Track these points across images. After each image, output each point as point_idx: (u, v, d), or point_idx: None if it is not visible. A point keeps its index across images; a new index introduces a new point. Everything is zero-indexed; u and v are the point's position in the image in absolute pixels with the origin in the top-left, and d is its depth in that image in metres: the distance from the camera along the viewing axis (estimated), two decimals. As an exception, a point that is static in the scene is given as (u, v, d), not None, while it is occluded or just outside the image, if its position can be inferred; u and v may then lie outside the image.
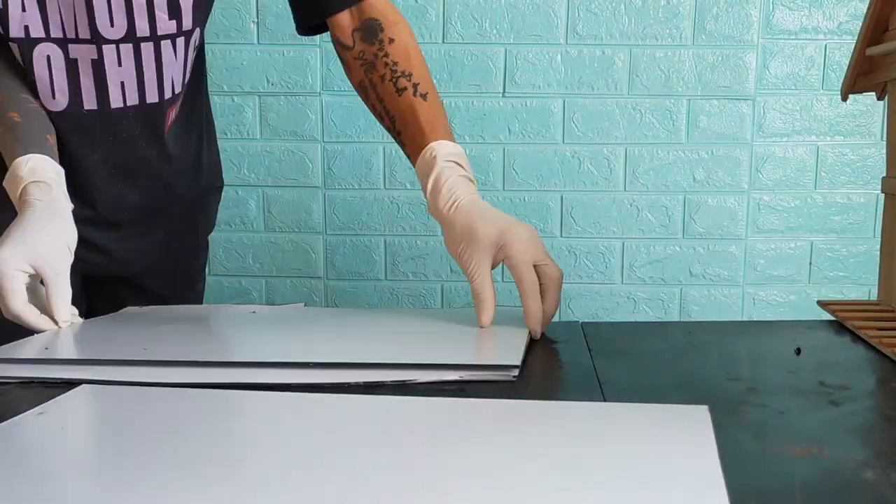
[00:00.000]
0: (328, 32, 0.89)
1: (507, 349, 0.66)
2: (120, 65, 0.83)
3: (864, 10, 0.80)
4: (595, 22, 1.70)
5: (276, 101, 1.72)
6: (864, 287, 1.76)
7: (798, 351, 0.69)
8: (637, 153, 1.73)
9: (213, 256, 1.76)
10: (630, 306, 1.77)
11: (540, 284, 0.72)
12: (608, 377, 0.61)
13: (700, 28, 1.69)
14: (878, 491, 0.42)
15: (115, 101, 0.85)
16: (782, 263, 1.76)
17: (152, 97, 0.86)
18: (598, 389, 0.59)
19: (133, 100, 0.85)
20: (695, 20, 1.69)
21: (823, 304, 0.84)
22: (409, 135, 0.83)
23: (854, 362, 0.68)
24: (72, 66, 0.82)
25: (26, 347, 0.66)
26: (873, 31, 0.79)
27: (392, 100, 0.84)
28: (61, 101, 0.84)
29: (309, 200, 1.74)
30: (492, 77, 1.72)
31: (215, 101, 1.71)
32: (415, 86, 0.83)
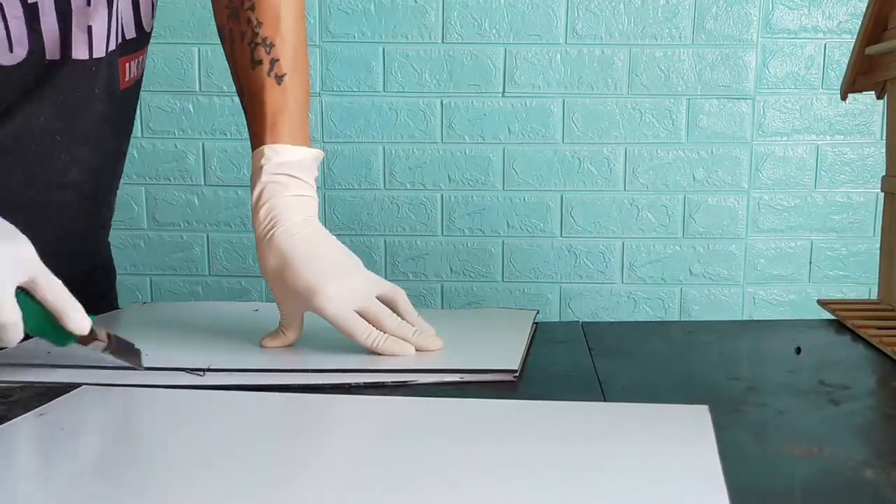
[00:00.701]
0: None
1: (507, 351, 0.66)
2: (88, 5, 0.68)
3: (864, 9, 0.80)
4: (594, 22, 1.70)
5: (276, 102, 1.72)
6: (864, 286, 1.76)
7: (798, 350, 0.69)
8: (637, 153, 1.73)
9: (213, 256, 1.76)
10: (630, 306, 1.77)
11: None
12: (608, 377, 0.61)
13: (700, 27, 1.70)
14: (879, 490, 0.42)
15: (80, 52, 0.69)
16: (782, 263, 1.76)
17: (100, 49, 0.71)
18: (599, 389, 0.59)
19: (82, 53, 0.69)
20: (694, 20, 1.69)
21: (823, 304, 0.84)
22: (250, 120, 0.72)
23: (854, 361, 0.68)
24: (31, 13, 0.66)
25: (27, 350, 0.66)
26: (872, 30, 0.79)
27: (245, 70, 0.71)
28: (19, 53, 0.67)
29: (309, 201, 1.74)
30: (491, 77, 1.72)
31: (215, 101, 1.71)
32: (273, 62, 0.70)
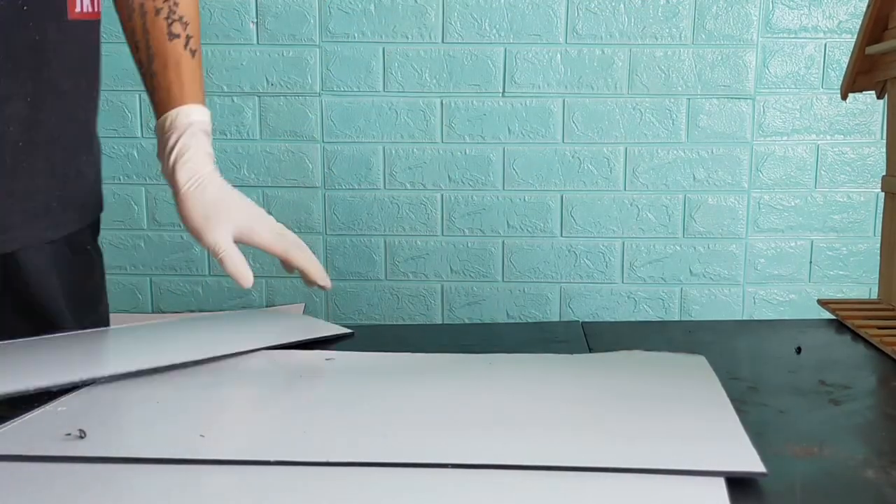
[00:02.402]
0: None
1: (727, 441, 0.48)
2: None
3: (864, 9, 0.80)
4: (595, 21, 1.70)
5: (276, 102, 1.72)
6: (864, 286, 1.76)
7: (798, 350, 0.69)
8: (637, 153, 1.73)
9: (213, 256, 1.76)
10: (630, 306, 1.77)
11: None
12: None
13: (700, 27, 1.69)
14: (879, 490, 0.42)
15: None
16: (783, 262, 1.76)
17: None
18: (599, 389, 0.59)
19: None
20: (694, 19, 1.69)
21: (824, 303, 0.84)
22: (163, 85, 0.79)
23: (854, 361, 0.68)
24: None
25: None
26: (873, 29, 0.79)
27: (160, 41, 0.79)
28: None
29: (309, 201, 1.74)
30: (491, 77, 1.72)
31: (215, 101, 1.71)
32: (188, 38, 0.80)
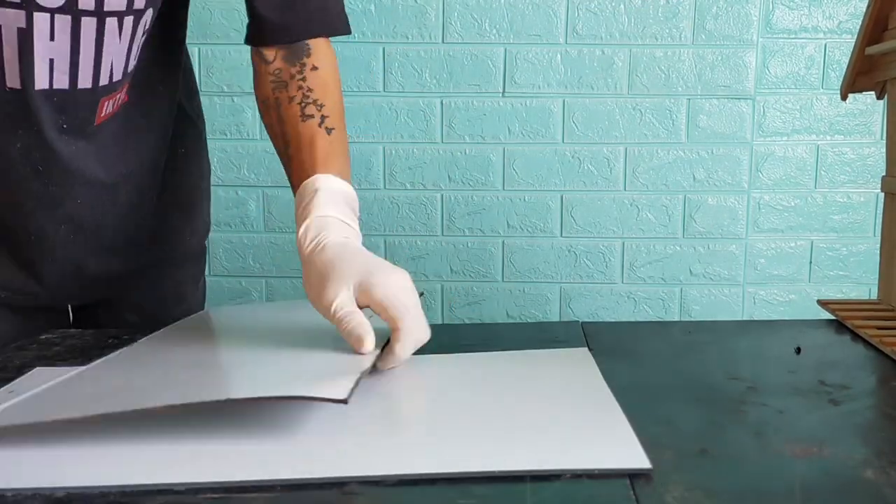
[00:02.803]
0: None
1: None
2: (52, 39, 0.69)
3: (864, 9, 0.80)
4: (595, 22, 1.70)
5: (276, 102, 1.72)
6: (864, 286, 1.76)
7: (798, 350, 0.69)
8: (637, 153, 1.73)
9: (213, 257, 1.76)
10: (630, 306, 1.77)
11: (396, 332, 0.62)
12: (608, 377, 0.61)
13: (700, 27, 1.69)
14: (879, 490, 0.42)
15: (41, 82, 0.71)
16: (782, 263, 1.76)
17: (85, 81, 0.73)
18: (599, 389, 0.59)
19: (62, 82, 0.72)
20: (694, 20, 1.69)
21: (823, 304, 0.84)
22: (299, 161, 0.77)
23: (854, 361, 0.68)
24: None
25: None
26: (873, 30, 0.79)
27: (293, 123, 0.78)
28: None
29: (309, 201, 1.74)
30: (491, 77, 1.72)
31: (215, 101, 1.71)
32: (323, 117, 0.78)
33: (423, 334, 0.63)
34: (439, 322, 1.80)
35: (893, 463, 0.45)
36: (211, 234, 1.09)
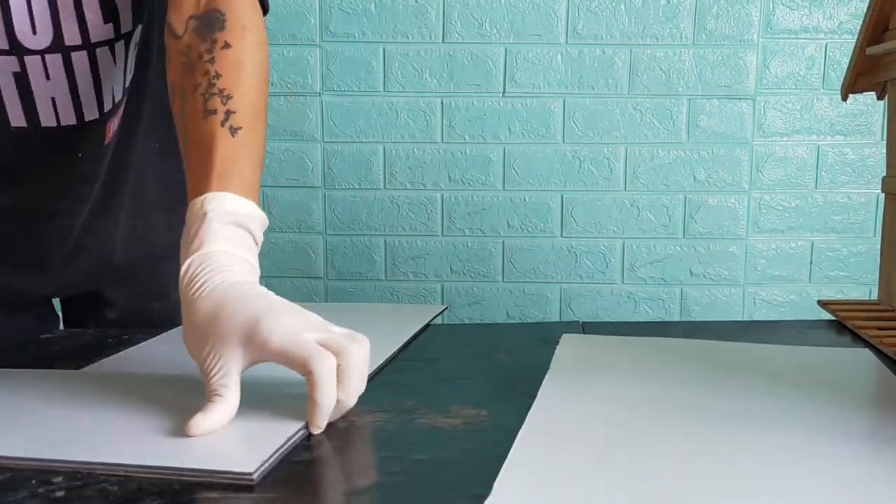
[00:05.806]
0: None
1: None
2: (48, 78, 0.68)
3: (865, 10, 0.80)
4: (595, 21, 1.70)
5: (276, 101, 1.72)
6: (864, 286, 1.76)
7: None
8: (637, 153, 1.73)
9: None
10: (631, 306, 1.77)
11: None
12: (608, 377, 0.61)
13: (700, 27, 1.69)
14: (879, 491, 0.42)
15: (47, 120, 0.70)
16: (783, 263, 1.76)
17: (91, 114, 0.72)
18: (599, 390, 0.59)
19: (68, 119, 0.71)
20: (695, 20, 1.69)
21: (824, 304, 0.83)
22: (194, 170, 0.60)
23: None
24: None
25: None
26: (873, 30, 0.79)
27: (195, 120, 0.61)
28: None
29: (309, 200, 1.74)
30: (492, 77, 1.72)
31: (215, 101, 1.71)
32: (228, 113, 0.61)
33: (352, 371, 0.51)
34: (439, 322, 1.79)
35: (894, 464, 0.45)
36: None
